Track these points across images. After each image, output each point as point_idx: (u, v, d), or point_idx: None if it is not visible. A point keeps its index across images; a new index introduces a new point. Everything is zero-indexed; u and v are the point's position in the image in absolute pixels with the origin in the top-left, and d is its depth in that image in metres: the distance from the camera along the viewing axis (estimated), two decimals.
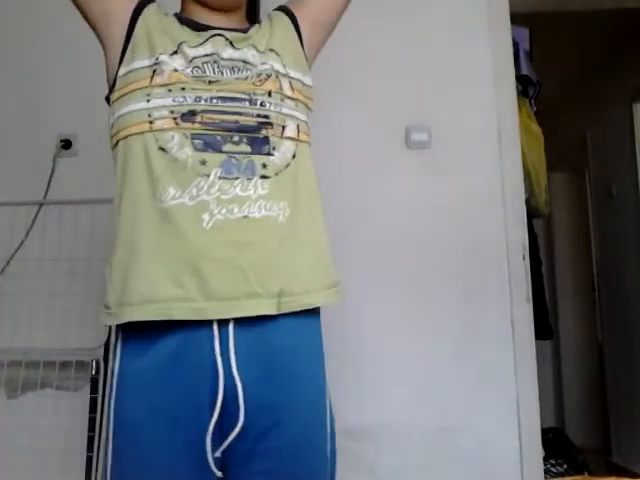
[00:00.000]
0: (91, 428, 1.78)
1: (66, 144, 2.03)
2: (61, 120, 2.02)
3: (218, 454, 0.90)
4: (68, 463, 1.78)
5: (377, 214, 1.97)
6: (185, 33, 1.02)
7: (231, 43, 1.02)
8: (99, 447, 1.77)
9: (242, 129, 0.94)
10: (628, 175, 3.53)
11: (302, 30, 1.12)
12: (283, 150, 0.97)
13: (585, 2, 2.77)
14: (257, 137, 0.95)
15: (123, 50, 0.99)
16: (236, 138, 0.93)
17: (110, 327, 1.84)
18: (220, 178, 0.90)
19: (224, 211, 0.89)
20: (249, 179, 0.91)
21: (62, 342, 1.86)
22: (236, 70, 0.99)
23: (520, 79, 2.40)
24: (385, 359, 1.91)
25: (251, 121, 0.96)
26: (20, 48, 2.10)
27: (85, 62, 2.00)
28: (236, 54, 1.01)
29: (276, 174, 0.94)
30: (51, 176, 2.01)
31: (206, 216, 0.88)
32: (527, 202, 2.11)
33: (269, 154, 0.95)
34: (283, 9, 1.15)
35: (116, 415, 0.91)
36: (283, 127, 0.98)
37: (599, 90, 3.91)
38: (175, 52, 0.98)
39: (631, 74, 3.50)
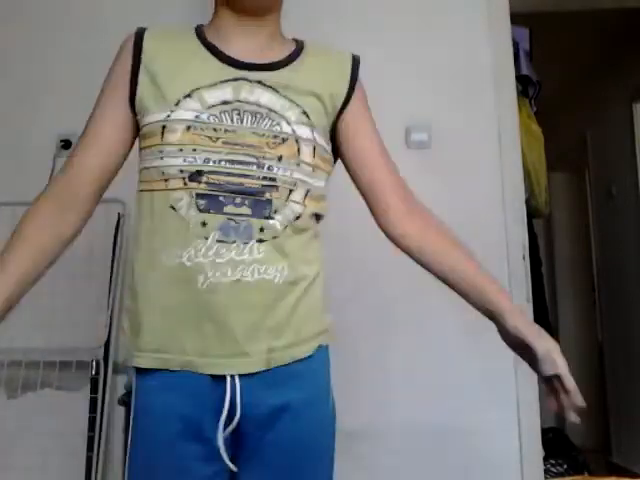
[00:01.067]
0: (91, 428, 1.78)
1: (66, 144, 2.03)
2: (61, 120, 2.02)
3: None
4: (68, 463, 1.78)
5: None
6: (205, 65, 0.99)
7: (259, 82, 0.98)
8: (99, 447, 1.77)
9: (245, 192, 0.94)
10: (628, 175, 3.53)
11: (346, 110, 1.06)
12: (286, 213, 0.96)
13: (585, 2, 2.77)
14: (260, 200, 0.94)
15: (136, 115, 1.00)
16: (238, 200, 0.93)
17: (110, 327, 1.84)
18: (218, 241, 0.92)
19: (218, 274, 0.91)
20: (245, 243, 0.92)
21: (62, 342, 1.85)
22: (258, 117, 0.96)
23: (520, 79, 2.40)
24: (385, 359, 1.91)
25: (256, 184, 0.94)
26: (20, 48, 2.10)
27: (86, 62, 2.01)
28: (263, 99, 0.97)
29: (274, 237, 0.94)
30: (51, 176, 2.01)
31: (201, 278, 0.91)
32: (527, 202, 2.11)
33: (269, 217, 0.94)
34: (355, 78, 1.08)
35: (136, 413, 0.95)
36: (290, 190, 0.96)
37: (599, 90, 3.91)
38: (188, 95, 0.96)
39: (631, 74, 3.50)
